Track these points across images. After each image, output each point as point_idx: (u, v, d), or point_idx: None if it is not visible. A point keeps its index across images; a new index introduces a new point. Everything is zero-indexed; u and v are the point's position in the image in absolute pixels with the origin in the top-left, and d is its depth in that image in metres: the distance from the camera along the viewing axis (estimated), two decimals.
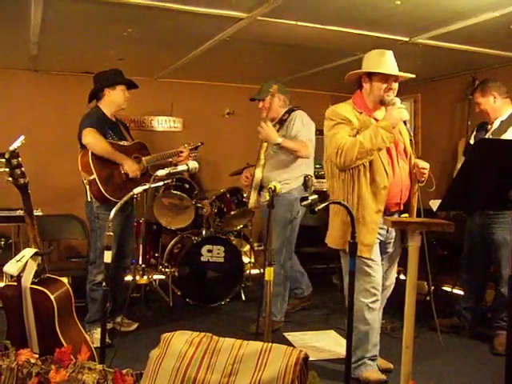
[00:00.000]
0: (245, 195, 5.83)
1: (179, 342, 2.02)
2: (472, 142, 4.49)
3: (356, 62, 5.46)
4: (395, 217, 3.42)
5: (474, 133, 4.54)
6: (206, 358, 1.96)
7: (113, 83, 4.34)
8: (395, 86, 3.46)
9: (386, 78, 3.42)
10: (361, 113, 3.48)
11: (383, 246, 3.55)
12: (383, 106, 3.49)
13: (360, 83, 3.57)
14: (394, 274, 3.77)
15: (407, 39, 4.61)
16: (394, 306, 4.04)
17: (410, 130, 3.48)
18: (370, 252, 3.40)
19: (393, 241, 3.58)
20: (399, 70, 3.48)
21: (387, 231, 3.50)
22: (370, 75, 3.47)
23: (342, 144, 3.30)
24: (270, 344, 1.97)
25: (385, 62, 3.44)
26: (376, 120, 3.46)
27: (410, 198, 3.52)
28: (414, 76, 3.51)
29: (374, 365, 3.53)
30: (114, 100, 4.36)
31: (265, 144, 4.72)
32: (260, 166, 4.71)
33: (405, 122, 3.38)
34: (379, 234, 3.44)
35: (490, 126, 4.34)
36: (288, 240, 4.71)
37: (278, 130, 4.68)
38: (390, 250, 3.61)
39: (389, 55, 3.47)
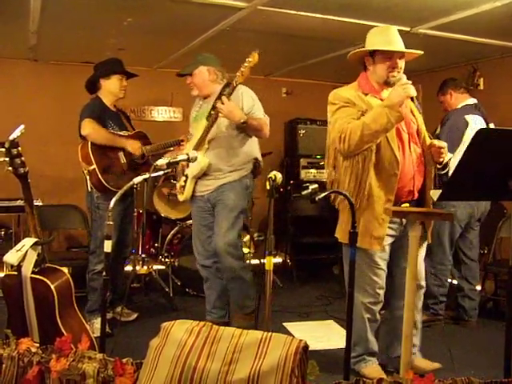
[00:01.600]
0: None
1: (179, 331, 2.03)
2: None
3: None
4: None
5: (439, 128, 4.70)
6: (206, 346, 1.97)
7: (107, 73, 4.33)
8: (401, 63, 3.15)
9: (389, 55, 3.12)
10: (366, 94, 3.19)
11: (400, 241, 3.25)
12: (389, 87, 3.16)
13: (364, 64, 3.29)
14: (422, 273, 3.40)
15: (408, 29, 4.61)
16: None
17: (418, 106, 3.22)
18: (381, 245, 3.14)
19: None
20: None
21: (402, 225, 3.20)
22: (373, 54, 3.18)
23: (346, 128, 3.03)
24: (269, 333, 1.97)
25: (387, 38, 3.14)
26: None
27: (426, 184, 3.23)
28: (421, 52, 3.21)
29: (374, 360, 3.41)
30: (109, 90, 4.35)
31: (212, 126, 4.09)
32: (203, 150, 4.06)
33: (412, 99, 3.08)
34: (391, 228, 3.17)
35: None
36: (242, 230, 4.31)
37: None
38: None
39: (392, 31, 3.18)
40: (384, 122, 2.92)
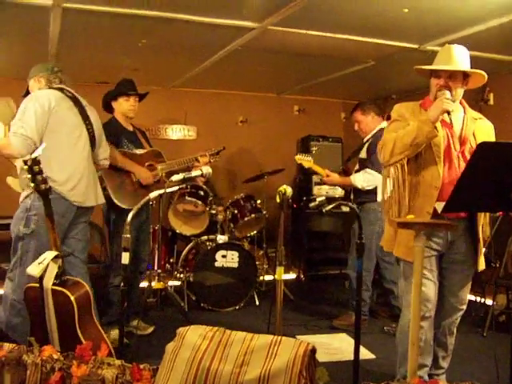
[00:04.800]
0: (258, 201, 5.93)
1: (194, 336, 2.12)
2: (364, 156, 4.92)
3: (367, 70, 5.58)
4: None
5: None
6: (219, 349, 2.06)
7: (114, 95, 4.50)
8: (450, 83, 3.05)
9: (438, 74, 3.08)
10: (426, 110, 3.10)
11: (445, 257, 3.17)
12: None
13: None
14: (465, 297, 3.28)
15: (417, 46, 4.68)
16: None
17: (451, 122, 3.04)
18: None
19: (462, 255, 3.15)
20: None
21: (449, 242, 3.10)
22: (431, 73, 3.14)
23: (385, 139, 3.09)
24: (279, 337, 2.06)
25: (442, 57, 3.11)
26: (442, 120, 3.06)
27: None
28: (478, 71, 3.08)
29: None
30: (119, 110, 4.52)
31: None
32: None
33: (448, 113, 2.94)
34: (433, 241, 3.07)
35: (364, 140, 4.99)
36: None
37: None
38: (458, 265, 3.18)
39: (452, 50, 3.08)
40: (413, 135, 2.93)
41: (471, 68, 3.08)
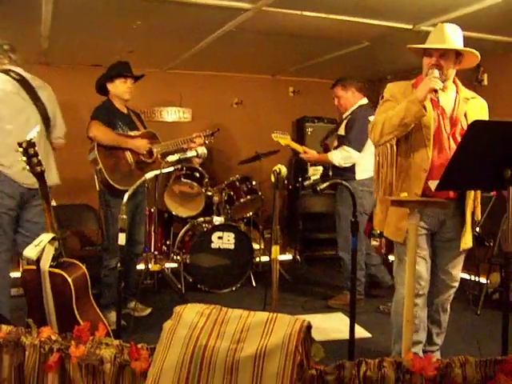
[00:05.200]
0: (254, 183, 5.95)
1: (191, 314, 2.15)
2: (342, 133, 4.99)
3: (361, 50, 5.57)
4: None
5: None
6: (216, 327, 2.09)
7: (111, 77, 4.48)
8: (442, 62, 3.03)
9: (429, 53, 3.07)
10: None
11: (437, 236, 3.21)
12: None
13: None
14: (456, 275, 3.32)
15: (411, 27, 4.68)
16: None
17: (439, 101, 3.02)
18: (402, 237, 3.06)
19: (453, 234, 3.18)
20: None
21: (440, 221, 3.14)
22: (424, 52, 3.12)
23: (375, 120, 3.10)
24: (275, 314, 2.09)
25: (435, 36, 3.09)
26: (432, 100, 3.04)
27: None
28: (470, 50, 3.06)
29: None
30: (115, 93, 4.51)
31: None
32: None
33: (436, 91, 2.91)
34: (424, 220, 3.08)
35: (343, 116, 5.07)
36: None
37: None
38: (449, 243, 3.21)
39: (445, 29, 3.06)
40: (401, 115, 2.93)
41: (464, 47, 3.06)
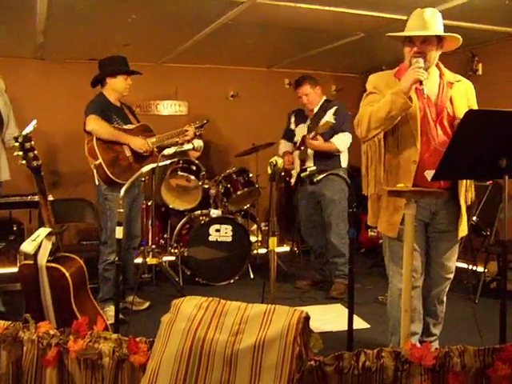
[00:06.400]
0: (251, 175, 5.95)
1: (189, 306, 2.15)
2: (293, 127, 5.39)
3: (356, 42, 5.56)
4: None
5: (293, 119, 5.53)
6: (215, 319, 2.09)
7: (113, 72, 4.45)
8: (424, 48, 2.96)
9: (411, 40, 2.99)
10: (400, 79, 2.99)
11: (430, 228, 3.18)
12: None
13: None
14: (451, 266, 3.29)
15: (405, 18, 4.63)
16: None
17: (424, 92, 2.92)
18: (395, 231, 3.04)
19: (446, 225, 3.16)
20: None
21: (432, 212, 3.11)
22: (404, 39, 3.04)
23: (361, 114, 3.03)
24: (273, 305, 2.10)
25: (414, 22, 2.99)
26: (416, 89, 2.97)
27: None
28: (452, 35, 3.02)
29: None
30: (114, 88, 4.49)
31: None
32: None
33: (421, 82, 2.86)
34: (418, 213, 2.95)
35: (310, 113, 5.27)
36: None
37: None
38: (443, 234, 3.18)
39: (424, 14, 2.96)
40: (387, 109, 2.86)
41: (444, 31, 3.00)
